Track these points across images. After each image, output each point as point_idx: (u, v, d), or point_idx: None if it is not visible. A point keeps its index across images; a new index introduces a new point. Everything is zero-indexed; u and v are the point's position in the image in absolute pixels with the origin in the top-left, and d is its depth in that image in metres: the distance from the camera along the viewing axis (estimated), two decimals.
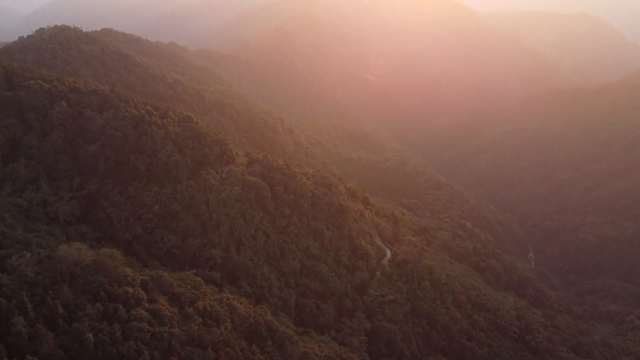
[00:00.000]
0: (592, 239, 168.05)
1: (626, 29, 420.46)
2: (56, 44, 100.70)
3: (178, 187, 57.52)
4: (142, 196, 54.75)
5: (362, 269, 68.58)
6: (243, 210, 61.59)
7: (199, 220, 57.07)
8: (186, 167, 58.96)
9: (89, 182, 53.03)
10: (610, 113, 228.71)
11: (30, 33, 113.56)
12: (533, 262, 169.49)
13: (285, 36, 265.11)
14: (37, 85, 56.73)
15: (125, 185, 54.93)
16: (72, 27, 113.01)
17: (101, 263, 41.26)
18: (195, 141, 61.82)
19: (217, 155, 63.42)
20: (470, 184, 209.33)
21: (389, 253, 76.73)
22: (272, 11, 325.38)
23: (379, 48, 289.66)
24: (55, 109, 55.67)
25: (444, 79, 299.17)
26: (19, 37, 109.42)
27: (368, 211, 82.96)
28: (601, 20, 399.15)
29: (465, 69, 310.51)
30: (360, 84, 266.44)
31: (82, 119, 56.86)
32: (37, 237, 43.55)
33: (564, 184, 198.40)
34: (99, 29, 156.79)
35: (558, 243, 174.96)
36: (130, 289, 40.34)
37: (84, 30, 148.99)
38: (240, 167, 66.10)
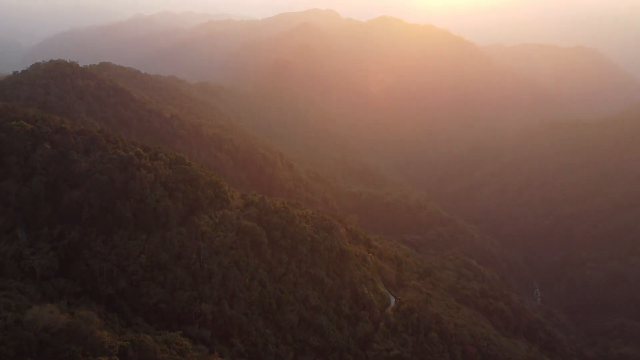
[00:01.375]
0: (600, 275, 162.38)
1: (622, 61, 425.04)
2: (50, 79, 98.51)
3: (167, 234, 53.52)
4: (128, 245, 50.65)
5: (365, 320, 63.75)
6: (237, 258, 57.34)
7: (189, 271, 52.76)
8: (177, 213, 55.15)
9: (71, 230, 49.04)
10: (613, 145, 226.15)
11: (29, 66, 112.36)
12: (539, 299, 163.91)
13: (285, 68, 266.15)
14: (19, 126, 53.45)
15: (110, 234, 50.91)
16: (68, 61, 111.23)
17: (75, 327, 36.94)
18: (188, 184, 58.13)
19: (211, 198, 59.69)
20: (473, 217, 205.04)
21: (393, 301, 72.03)
22: (272, 44, 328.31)
23: (378, 80, 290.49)
24: (38, 152, 52.20)
25: (443, 111, 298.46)
26: (13, 72, 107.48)
27: (371, 254, 78.60)
28: (598, 52, 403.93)
29: (465, 101, 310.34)
30: (360, 116, 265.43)
31: (66, 162, 53.21)
32: (7, 297, 39.26)
33: (568, 218, 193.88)
34: (100, 62, 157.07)
35: (564, 279, 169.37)
36: None
37: (85, 63, 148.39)
38: (236, 210, 62.27)
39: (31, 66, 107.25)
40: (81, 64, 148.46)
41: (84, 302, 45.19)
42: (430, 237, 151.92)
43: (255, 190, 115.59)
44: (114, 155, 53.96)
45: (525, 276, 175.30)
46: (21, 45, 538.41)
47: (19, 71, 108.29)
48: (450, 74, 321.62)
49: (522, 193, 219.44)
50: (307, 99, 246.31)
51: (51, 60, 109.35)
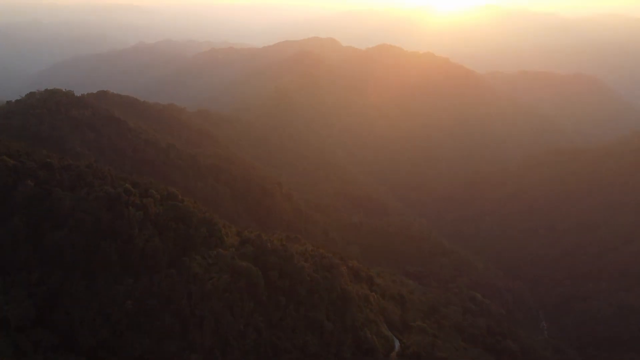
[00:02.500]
0: (608, 308, 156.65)
1: (620, 88, 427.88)
2: (44, 109, 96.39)
3: (156, 277, 49.90)
4: (113, 290, 47.01)
5: None
6: (231, 303, 53.47)
7: (178, 318, 48.93)
8: (167, 254, 51.66)
9: (51, 275, 45.60)
10: (616, 174, 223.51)
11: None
12: (546, 332, 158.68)
13: (285, 97, 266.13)
14: (1, 162, 50.65)
15: (94, 278, 47.38)
16: (63, 90, 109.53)
17: None
18: (179, 222, 54.76)
19: (204, 237, 56.22)
20: (476, 247, 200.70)
21: (397, 345, 67.70)
22: (273, 72, 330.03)
23: (379, 108, 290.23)
24: (19, 189, 49.24)
25: (444, 138, 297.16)
26: (7, 101, 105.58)
27: (373, 293, 74.57)
28: (597, 80, 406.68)
29: (466, 128, 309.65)
30: (360, 144, 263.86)
31: (50, 200, 50.08)
32: None
33: (573, 248, 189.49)
34: (98, 90, 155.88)
35: (571, 311, 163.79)
36: None
37: (87, 90, 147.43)
38: (230, 249, 58.75)
39: (26, 95, 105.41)
40: (83, 92, 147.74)
41: (63, 356, 41.42)
42: (433, 268, 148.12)
43: (253, 222, 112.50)
44: (100, 192, 50.84)
45: (531, 308, 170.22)
46: (25, 72, 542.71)
47: (13, 100, 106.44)
48: (450, 101, 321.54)
49: (525, 222, 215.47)
50: (308, 126, 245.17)
51: (46, 90, 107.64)
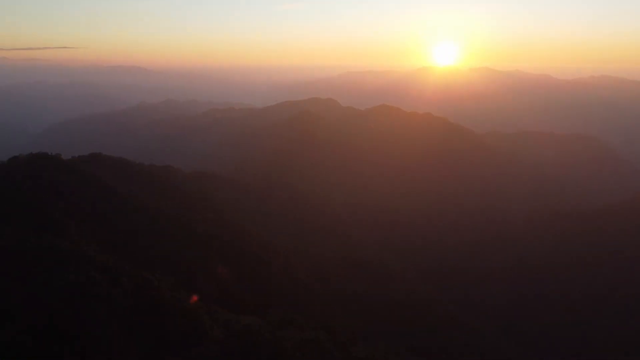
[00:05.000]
0: None
1: (618, 147, 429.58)
2: (27, 174, 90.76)
3: None
4: None
5: None
6: None
7: None
8: (137, 357, 43.51)
9: None
10: (625, 236, 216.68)
11: (37, 151, 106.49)
12: None
13: (285, 157, 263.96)
14: None
15: None
16: (50, 154, 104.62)
17: None
18: (155, 315, 47.00)
19: (184, 332, 48.12)
20: (485, 313, 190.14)
21: None
22: (272, 132, 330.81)
23: (379, 167, 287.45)
24: None
25: (445, 198, 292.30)
26: None
27: None
28: (596, 139, 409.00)
29: (467, 188, 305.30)
30: (361, 205, 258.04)
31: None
32: None
33: (588, 318, 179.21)
34: (98, 151, 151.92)
35: None
36: None
37: (87, 150, 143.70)
38: (215, 345, 50.53)
39: (9, 160, 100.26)
40: (83, 151, 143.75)
41: None
42: (441, 342, 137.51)
43: (248, 296, 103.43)
44: (61, 279, 43.47)
45: None
46: (28, 130, 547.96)
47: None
48: (450, 161, 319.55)
49: (534, 289, 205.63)
50: (307, 187, 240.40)
51: (30, 154, 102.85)
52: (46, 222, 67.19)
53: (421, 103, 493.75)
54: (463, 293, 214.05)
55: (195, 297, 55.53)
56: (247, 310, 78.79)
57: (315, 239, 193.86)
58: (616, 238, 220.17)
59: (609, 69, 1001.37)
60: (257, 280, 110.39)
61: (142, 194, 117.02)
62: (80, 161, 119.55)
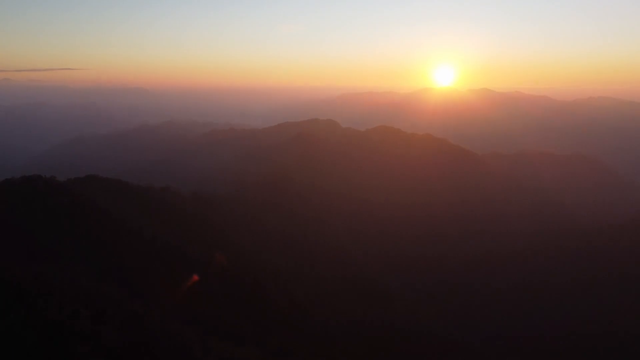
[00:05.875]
0: None
1: (618, 167, 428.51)
2: (19, 197, 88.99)
3: None
4: None
5: None
6: None
7: None
8: None
9: None
10: (629, 255, 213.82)
11: (37, 172, 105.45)
12: None
13: (284, 177, 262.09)
14: None
15: None
16: (44, 176, 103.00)
17: None
18: (142, 352, 44.39)
19: None
20: (489, 337, 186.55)
21: None
22: (272, 153, 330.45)
23: (379, 188, 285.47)
24: None
25: (446, 219, 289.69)
26: None
27: None
28: (596, 159, 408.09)
29: (468, 209, 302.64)
30: (361, 225, 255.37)
31: None
32: None
33: (592, 337, 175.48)
34: (94, 173, 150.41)
35: None
36: None
37: (85, 171, 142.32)
38: None
39: (1, 183, 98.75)
40: (82, 172, 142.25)
41: None
42: None
43: (245, 320, 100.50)
44: (38, 319, 40.68)
45: None
46: (30, 150, 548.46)
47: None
48: (450, 182, 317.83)
49: (537, 313, 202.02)
50: (307, 208, 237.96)
51: (23, 176, 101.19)
52: (36, 248, 64.97)
53: (421, 124, 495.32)
54: (465, 315, 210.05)
55: (186, 328, 52.96)
56: (243, 337, 76.04)
57: (315, 259, 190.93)
58: (620, 258, 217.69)
59: (607, 90, 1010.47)
60: (255, 305, 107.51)
61: (138, 216, 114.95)
62: (75, 183, 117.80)
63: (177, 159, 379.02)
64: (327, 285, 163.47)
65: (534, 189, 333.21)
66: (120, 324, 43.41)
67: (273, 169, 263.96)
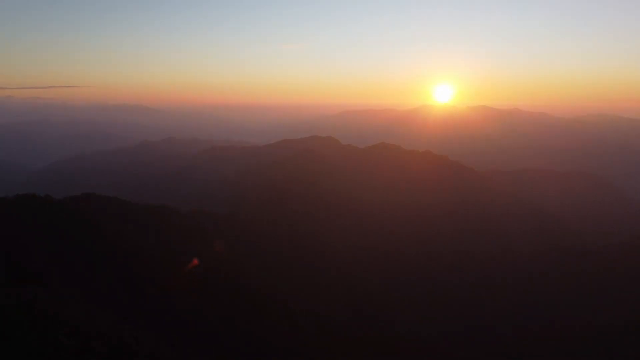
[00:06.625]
0: None
1: (618, 184, 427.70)
2: (12, 215, 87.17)
3: None
4: None
5: None
6: None
7: None
8: None
9: None
10: (633, 274, 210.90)
11: (37, 188, 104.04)
12: None
13: (284, 194, 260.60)
14: None
15: None
16: (39, 195, 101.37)
17: None
18: None
19: None
20: (494, 355, 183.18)
21: None
22: (272, 169, 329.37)
23: (379, 205, 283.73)
24: None
25: (447, 236, 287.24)
26: None
27: None
28: (597, 176, 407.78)
29: (469, 226, 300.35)
30: (361, 242, 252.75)
31: None
32: None
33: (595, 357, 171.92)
34: (91, 191, 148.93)
35: None
36: None
37: (85, 188, 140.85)
38: None
39: None
40: (82, 190, 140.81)
41: None
42: None
43: (242, 346, 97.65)
44: (30, 348, 38.53)
45: None
46: (30, 167, 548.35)
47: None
48: (451, 199, 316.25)
49: (544, 330, 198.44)
50: (307, 225, 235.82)
51: (17, 195, 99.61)
52: (26, 271, 62.88)
53: (420, 141, 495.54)
54: (467, 333, 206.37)
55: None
56: None
57: (315, 278, 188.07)
58: (622, 276, 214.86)
59: (605, 107, 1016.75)
60: (253, 321, 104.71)
61: (134, 235, 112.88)
62: (71, 201, 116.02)
63: (177, 176, 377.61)
64: (328, 305, 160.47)
65: (535, 206, 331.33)
66: (107, 354, 41.11)
67: (273, 187, 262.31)
